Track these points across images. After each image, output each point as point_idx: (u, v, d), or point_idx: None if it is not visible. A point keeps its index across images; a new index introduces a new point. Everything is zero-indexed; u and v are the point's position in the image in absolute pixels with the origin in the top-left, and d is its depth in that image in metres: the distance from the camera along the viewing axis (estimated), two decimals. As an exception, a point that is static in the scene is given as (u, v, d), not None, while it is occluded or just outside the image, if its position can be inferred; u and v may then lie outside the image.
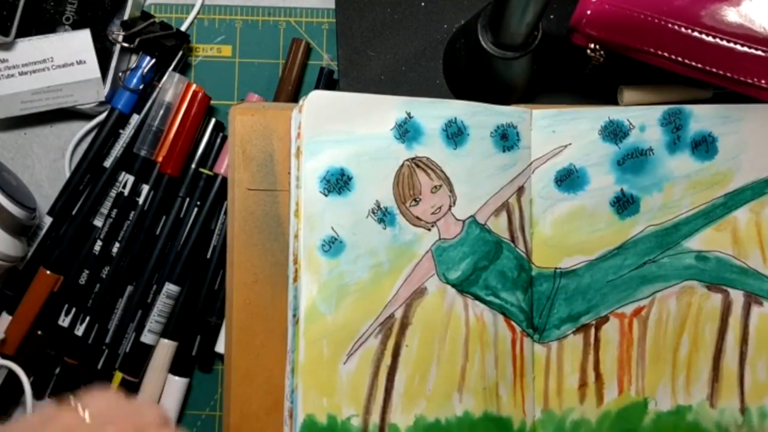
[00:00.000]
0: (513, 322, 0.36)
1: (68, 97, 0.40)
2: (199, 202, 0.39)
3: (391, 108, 0.34)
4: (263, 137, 0.35)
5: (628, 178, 0.36)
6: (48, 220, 0.40)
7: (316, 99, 0.33)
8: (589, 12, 0.34)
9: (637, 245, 0.36)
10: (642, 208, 0.36)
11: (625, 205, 0.36)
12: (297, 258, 0.33)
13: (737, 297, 0.36)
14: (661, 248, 0.36)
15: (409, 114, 0.34)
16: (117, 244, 0.39)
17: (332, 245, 0.33)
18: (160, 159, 0.39)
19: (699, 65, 0.34)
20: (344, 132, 0.33)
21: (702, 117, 0.36)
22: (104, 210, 0.40)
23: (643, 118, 0.36)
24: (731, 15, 0.34)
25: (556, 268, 0.36)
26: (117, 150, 0.40)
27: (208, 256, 0.40)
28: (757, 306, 0.36)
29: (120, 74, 0.40)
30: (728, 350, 0.36)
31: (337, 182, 0.33)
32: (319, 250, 0.33)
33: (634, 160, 0.36)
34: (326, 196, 0.33)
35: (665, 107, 0.36)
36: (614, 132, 0.36)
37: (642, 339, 0.36)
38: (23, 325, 0.39)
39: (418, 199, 0.34)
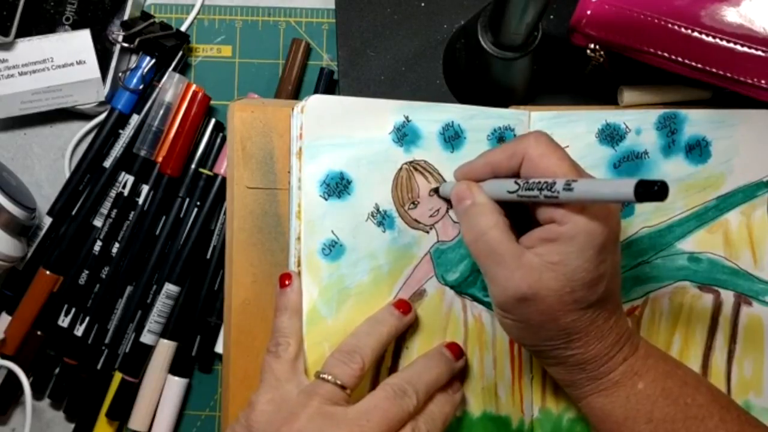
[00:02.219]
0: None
1: (68, 97, 0.37)
2: (199, 203, 0.37)
3: (389, 112, 0.32)
4: (263, 134, 0.33)
5: (624, 180, 0.34)
6: (48, 221, 0.37)
7: (316, 103, 0.31)
8: (589, 12, 0.32)
9: (631, 246, 0.34)
10: (636, 210, 0.34)
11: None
12: (300, 261, 0.31)
13: (728, 297, 0.35)
14: (654, 249, 0.34)
15: (407, 118, 0.32)
16: (117, 245, 0.37)
17: (332, 249, 0.31)
18: (160, 159, 0.37)
19: (699, 65, 0.32)
20: (343, 136, 0.31)
21: (696, 121, 0.34)
22: (104, 210, 0.37)
23: (639, 121, 0.34)
24: (731, 15, 0.31)
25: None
26: (117, 150, 0.37)
27: (208, 256, 0.37)
28: (747, 306, 0.35)
29: (120, 74, 0.37)
30: (717, 348, 0.34)
31: (337, 186, 0.31)
32: (320, 254, 0.31)
33: (629, 163, 0.34)
34: (326, 200, 0.31)
35: (661, 111, 0.34)
36: (611, 135, 0.34)
37: (636, 338, 0.34)
38: (23, 326, 0.36)
39: (416, 202, 0.32)
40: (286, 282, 0.30)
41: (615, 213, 0.26)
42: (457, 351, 0.31)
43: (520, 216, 0.29)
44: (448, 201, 0.32)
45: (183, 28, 0.39)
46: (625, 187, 0.23)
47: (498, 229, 0.27)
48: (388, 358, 0.32)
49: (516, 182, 0.27)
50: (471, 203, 0.28)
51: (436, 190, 0.32)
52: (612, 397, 0.28)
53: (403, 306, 0.31)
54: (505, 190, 0.28)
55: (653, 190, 0.22)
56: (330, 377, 0.27)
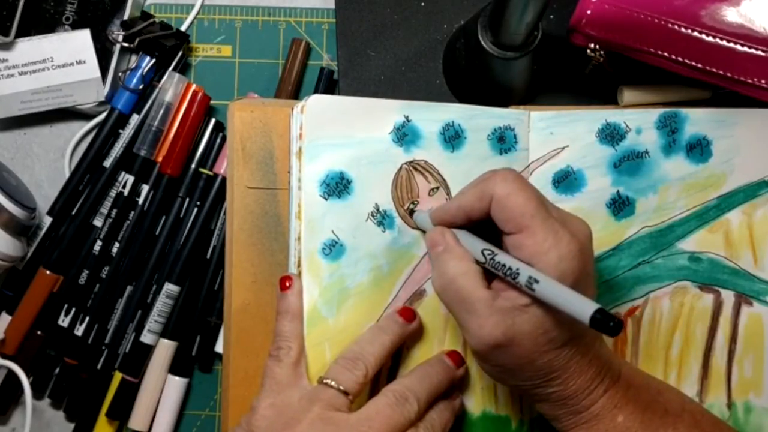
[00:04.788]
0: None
1: (68, 97, 0.37)
2: (198, 202, 0.37)
3: (389, 112, 0.32)
4: (263, 134, 0.33)
5: (624, 180, 0.34)
6: (48, 220, 0.37)
7: (316, 102, 0.31)
8: (589, 12, 0.32)
9: (632, 246, 0.34)
10: (637, 209, 0.34)
11: (620, 206, 0.34)
12: (300, 261, 0.31)
13: (728, 297, 0.35)
14: (655, 249, 0.34)
15: (407, 117, 0.32)
16: (117, 244, 0.37)
17: (333, 249, 0.31)
18: (159, 159, 0.37)
19: (699, 65, 0.32)
20: (343, 136, 0.31)
21: (697, 120, 0.34)
22: (104, 210, 0.37)
23: (639, 120, 0.34)
24: (731, 15, 0.32)
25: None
26: (117, 150, 0.37)
27: (208, 256, 0.37)
28: (747, 306, 0.35)
29: (120, 74, 0.38)
30: (717, 348, 0.35)
31: (337, 186, 0.31)
32: (320, 254, 0.31)
33: (630, 163, 0.34)
34: (326, 199, 0.31)
35: (661, 111, 0.34)
36: (611, 134, 0.34)
37: (636, 338, 0.35)
38: (23, 325, 0.37)
39: (416, 202, 0.32)
40: (287, 284, 0.30)
41: (584, 248, 0.26)
42: (457, 359, 0.31)
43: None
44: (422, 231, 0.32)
45: (183, 28, 0.39)
46: (584, 308, 0.23)
47: (468, 276, 0.26)
48: (388, 358, 0.32)
49: (483, 254, 0.27)
50: (442, 249, 0.28)
51: (411, 213, 0.32)
52: (591, 430, 0.27)
53: (407, 314, 0.31)
54: (474, 254, 0.27)
55: (608, 325, 0.22)
56: (333, 383, 0.28)
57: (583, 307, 0.23)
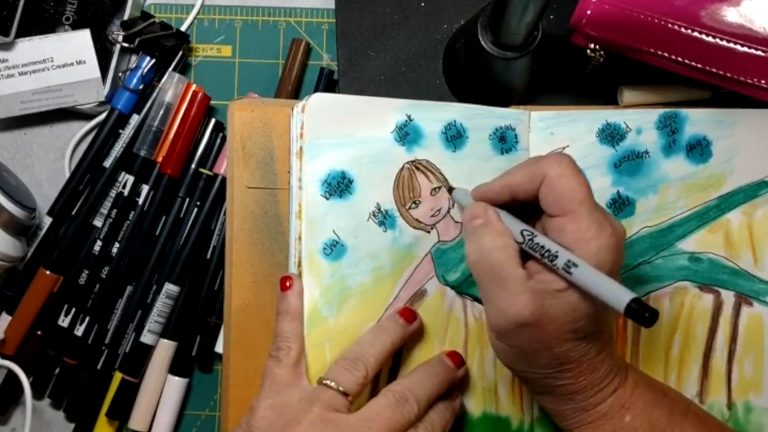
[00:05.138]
0: (512, 323, 0.33)
1: (68, 97, 0.37)
2: (198, 202, 0.37)
3: (391, 111, 0.32)
4: (263, 134, 0.33)
5: (625, 180, 0.34)
6: (48, 220, 0.37)
7: (317, 102, 0.31)
8: (589, 12, 0.33)
9: (632, 246, 0.34)
10: (637, 209, 0.34)
11: (621, 207, 0.34)
12: (300, 261, 0.31)
13: (728, 297, 0.35)
14: (655, 249, 0.34)
15: (409, 117, 0.32)
16: (117, 244, 0.37)
17: (334, 248, 0.31)
18: (159, 159, 0.37)
19: (699, 65, 0.32)
20: (345, 135, 0.31)
21: (697, 121, 0.35)
22: (104, 210, 0.37)
23: (639, 121, 0.34)
24: (731, 15, 0.32)
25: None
26: (117, 150, 0.37)
27: (208, 256, 0.37)
28: (747, 306, 0.35)
29: (120, 74, 0.38)
30: (717, 349, 0.35)
31: (339, 185, 0.31)
32: (321, 254, 0.31)
33: (630, 163, 0.34)
34: (327, 199, 0.31)
35: (661, 111, 0.35)
36: (611, 134, 0.34)
37: (636, 338, 0.35)
38: (23, 325, 0.37)
39: (417, 202, 0.32)
40: (287, 284, 0.30)
41: (621, 244, 0.26)
42: (457, 360, 0.31)
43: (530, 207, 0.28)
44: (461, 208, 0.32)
45: (183, 28, 0.39)
46: (621, 296, 0.23)
47: (505, 251, 0.26)
48: (389, 358, 0.32)
49: (522, 234, 0.27)
50: (482, 222, 0.27)
51: (450, 190, 0.32)
52: (598, 430, 0.27)
53: (408, 315, 0.31)
54: (512, 234, 0.27)
55: (643, 315, 0.22)
56: (333, 384, 0.28)
57: (620, 296, 0.23)
